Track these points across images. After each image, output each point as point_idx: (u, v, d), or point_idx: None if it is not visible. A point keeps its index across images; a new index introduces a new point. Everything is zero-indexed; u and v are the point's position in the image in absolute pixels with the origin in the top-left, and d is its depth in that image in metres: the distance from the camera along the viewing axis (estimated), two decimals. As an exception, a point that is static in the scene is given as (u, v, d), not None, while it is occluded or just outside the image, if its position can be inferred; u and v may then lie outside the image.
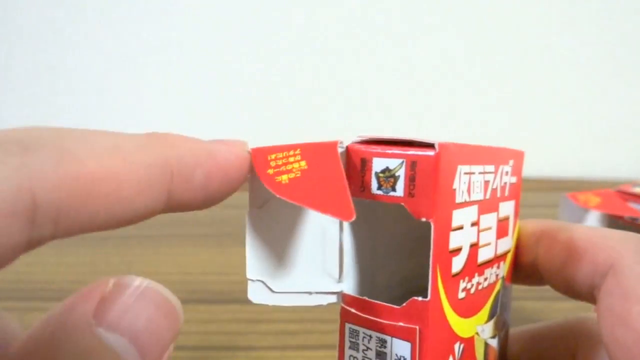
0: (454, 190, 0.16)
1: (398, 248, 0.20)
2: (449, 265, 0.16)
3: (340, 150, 0.17)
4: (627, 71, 0.75)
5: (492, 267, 0.19)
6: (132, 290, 0.13)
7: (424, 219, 0.15)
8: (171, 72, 0.79)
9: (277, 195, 0.15)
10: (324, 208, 0.15)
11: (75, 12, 0.78)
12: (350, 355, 0.17)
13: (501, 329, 0.20)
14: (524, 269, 0.21)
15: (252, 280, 0.17)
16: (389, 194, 0.16)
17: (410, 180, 0.16)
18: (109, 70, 0.79)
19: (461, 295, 0.17)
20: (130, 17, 0.78)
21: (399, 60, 0.77)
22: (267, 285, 0.17)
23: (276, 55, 0.78)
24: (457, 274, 0.17)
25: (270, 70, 0.78)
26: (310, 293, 0.17)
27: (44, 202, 0.11)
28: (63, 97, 0.80)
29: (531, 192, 0.65)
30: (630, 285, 0.17)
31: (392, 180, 0.16)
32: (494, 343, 0.20)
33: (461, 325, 0.17)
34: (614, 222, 0.35)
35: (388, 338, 0.16)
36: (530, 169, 0.73)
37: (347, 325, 0.17)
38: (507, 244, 0.20)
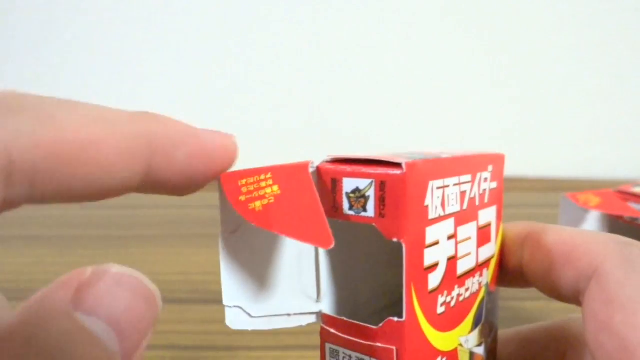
0: (426, 207, 0.16)
1: (379, 258, 0.20)
2: (424, 282, 0.16)
3: (311, 170, 0.17)
4: (627, 71, 0.74)
5: (474, 277, 0.19)
6: (110, 276, 0.13)
7: (395, 240, 0.15)
8: (173, 73, 0.78)
9: (253, 224, 0.15)
10: (301, 236, 0.15)
11: (76, 11, 0.78)
12: None
13: (488, 335, 0.20)
14: (510, 273, 0.21)
15: (230, 306, 0.17)
16: (360, 215, 0.16)
17: (381, 200, 0.15)
18: (109, 71, 0.79)
19: (440, 310, 0.17)
20: (131, 17, 0.78)
21: (400, 61, 0.76)
22: (245, 311, 0.17)
23: (277, 59, 0.77)
24: (434, 290, 0.17)
25: (270, 73, 0.77)
26: (289, 315, 0.17)
27: (21, 162, 0.11)
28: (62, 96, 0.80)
29: (531, 192, 0.65)
30: (613, 292, 0.16)
31: (362, 200, 0.16)
32: (480, 351, 0.20)
33: (442, 340, 0.17)
34: (614, 222, 0.34)
35: (367, 358, 0.16)
36: (531, 169, 0.74)
37: (327, 345, 0.17)
38: (489, 250, 0.20)
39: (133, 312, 0.13)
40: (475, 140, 0.73)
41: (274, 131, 0.77)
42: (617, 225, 0.34)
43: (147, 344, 0.13)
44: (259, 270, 0.17)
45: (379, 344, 0.16)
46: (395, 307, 0.20)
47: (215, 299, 0.41)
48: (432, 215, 0.16)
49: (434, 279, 0.16)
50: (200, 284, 0.44)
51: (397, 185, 0.15)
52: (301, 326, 0.17)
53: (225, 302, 0.16)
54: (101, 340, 0.12)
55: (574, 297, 0.18)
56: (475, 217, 0.19)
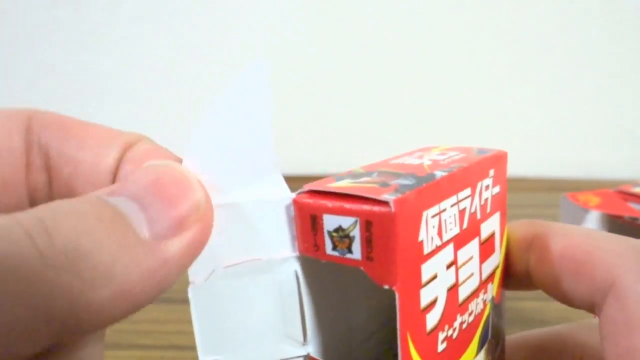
0: (421, 242, 0.14)
1: (368, 284, 0.18)
2: (422, 325, 0.14)
3: (286, 202, 0.15)
4: (627, 71, 0.71)
5: (477, 297, 0.17)
6: (140, 168, 0.13)
7: (386, 286, 0.13)
8: (174, 72, 0.75)
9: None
10: None
11: (76, 12, 0.74)
12: None
13: (495, 350, 0.19)
14: (516, 277, 0.19)
15: None
16: (345, 256, 0.14)
17: (367, 242, 0.13)
18: (109, 71, 0.76)
19: (441, 347, 0.15)
20: (132, 17, 0.74)
21: (402, 60, 0.72)
22: None
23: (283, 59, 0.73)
24: (433, 330, 0.15)
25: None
26: None
27: None
28: (63, 98, 0.77)
29: (531, 192, 0.64)
30: (634, 312, 0.15)
31: (347, 241, 0.14)
32: (487, 370, 0.18)
33: (444, 379, 0.15)
34: (614, 222, 0.33)
35: (362, 409, 0.15)
36: (531, 169, 0.72)
37: (318, 392, 0.16)
38: (494, 262, 0.18)
39: (157, 186, 0.13)
40: (475, 140, 0.70)
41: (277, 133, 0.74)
42: (617, 225, 0.33)
43: (187, 215, 0.13)
44: (237, 317, 0.15)
45: None
46: (390, 323, 0.18)
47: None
48: (427, 249, 0.14)
49: (433, 318, 0.15)
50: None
51: (386, 225, 0.13)
52: (288, 371, 0.16)
53: (201, 358, 0.15)
54: (122, 212, 0.12)
55: (589, 307, 0.17)
56: (477, 233, 0.17)
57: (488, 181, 0.17)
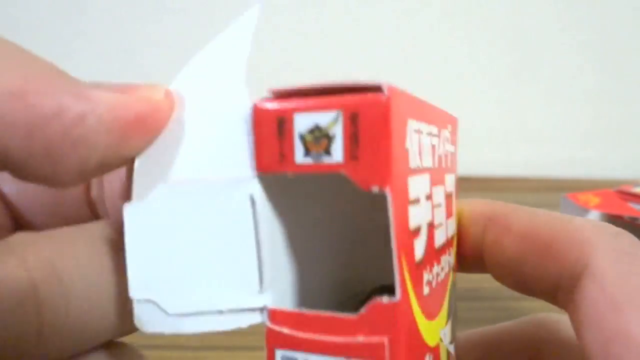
0: (407, 150, 0.12)
1: (339, 224, 0.16)
2: (411, 251, 0.12)
3: (245, 112, 0.12)
4: (627, 71, 0.75)
5: (446, 254, 0.15)
6: None
7: (375, 189, 0.11)
8: (172, 71, 0.70)
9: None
10: None
11: (76, 11, 0.71)
12: None
13: (455, 332, 0.17)
14: (467, 258, 0.17)
15: (139, 300, 0.11)
16: (321, 161, 0.12)
17: (352, 138, 0.11)
18: (109, 70, 0.71)
19: (426, 290, 0.13)
20: (131, 16, 0.71)
21: (398, 58, 0.73)
22: (159, 307, 0.12)
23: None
24: (420, 263, 0.13)
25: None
26: (221, 312, 0.12)
27: None
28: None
29: (531, 192, 0.64)
30: (618, 292, 0.13)
31: (324, 141, 0.12)
32: (452, 350, 0.16)
33: (429, 331, 0.13)
34: (614, 222, 0.35)
35: (341, 361, 0.11)
36: (531, 169, 0.73)
37: (279, 353, 0.12)
38: (453, 225, 0.16)
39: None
40: (474, 139, 0.70)
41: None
42: (617, 225, 0.35)
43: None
44: (176, 251, 0.12)
45: (361, 338, 0.11)
46: (366, 271, 0.16)
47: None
48: (412, 163, 0.12)
49: (419, 248, 0.13)
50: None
51: (378, 116, 0.11)
52: (240, 329, 0.12)
53: (131, 294, 0.11)
54: None
55: (549, 294, 0.15)
56: (443, 180, 0.15)
57: (447, 134, 0.16)
